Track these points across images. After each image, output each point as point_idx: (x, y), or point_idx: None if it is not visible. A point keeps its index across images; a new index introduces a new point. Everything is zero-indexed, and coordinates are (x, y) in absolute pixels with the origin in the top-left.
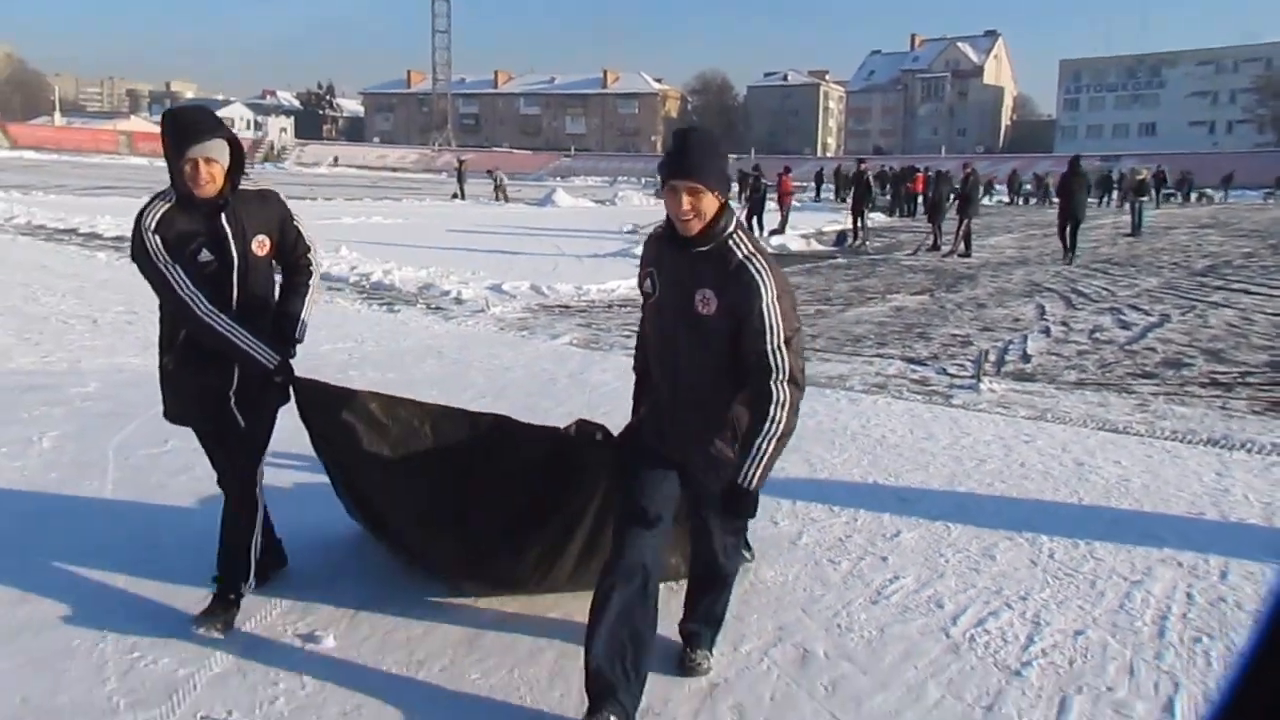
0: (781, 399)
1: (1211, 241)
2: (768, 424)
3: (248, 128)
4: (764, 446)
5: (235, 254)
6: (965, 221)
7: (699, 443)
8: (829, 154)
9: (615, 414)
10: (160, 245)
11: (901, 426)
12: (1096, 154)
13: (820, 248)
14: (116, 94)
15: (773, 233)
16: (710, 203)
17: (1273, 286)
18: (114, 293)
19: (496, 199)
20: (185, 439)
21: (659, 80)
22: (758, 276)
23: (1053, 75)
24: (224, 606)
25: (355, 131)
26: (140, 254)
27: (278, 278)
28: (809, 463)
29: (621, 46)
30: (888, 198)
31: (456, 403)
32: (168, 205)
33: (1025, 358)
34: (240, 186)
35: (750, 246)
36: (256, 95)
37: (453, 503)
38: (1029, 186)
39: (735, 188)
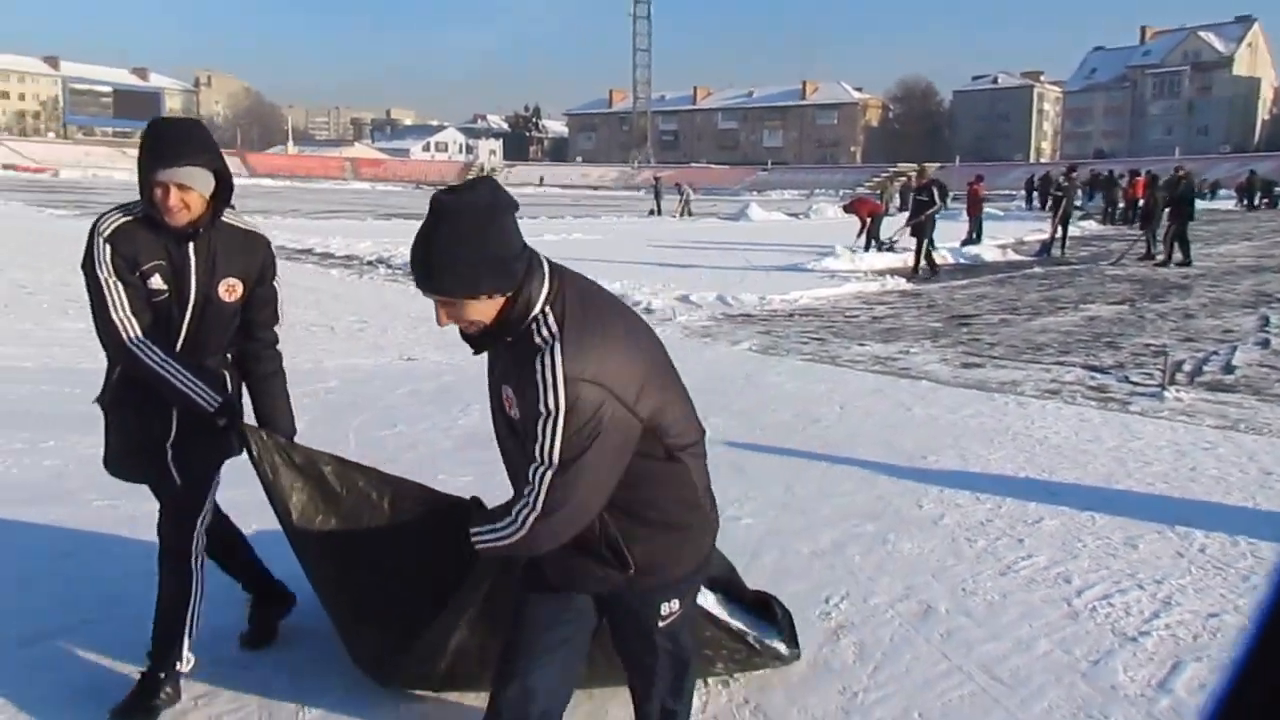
0: (517, 526)
1: None
2: (492, 533)
3: (460, 151)
4: (485, 538)
5: (194, 290)
6: (1173, 227)
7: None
8: (1043, 159)
9: (782, 411)
10: (109, 255)
11: (1066, 429)
12: None
13: (1018, 257)
14: (342, 122)
15: (964, 243)
16: (479, 308)
17: None
18: (346, 304)
19: (680, 215)
20: (411, 423)
21: (859, 89)
22: (542, 376)
23: None
24: (147, 697)
25: (559, 151)
26: (86, 262)
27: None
28: (963, 457)
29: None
30: (1099, 203)
31: None
32: (129, 218)
33: (1228, 369)
34: (226, 219)
35: (551, 332)
36: (468, 120)
37: (403, 594)
38: None
39: (897, 199)
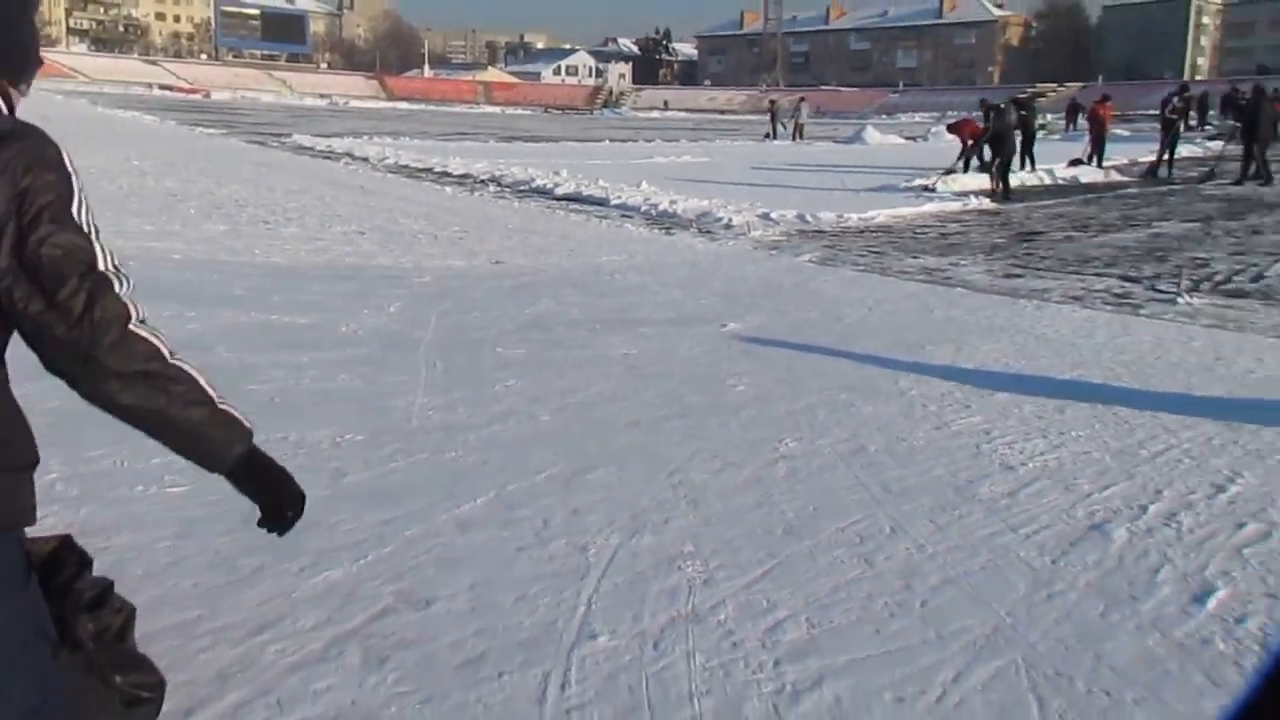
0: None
1: None
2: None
3: (590, 75)
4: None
5: None
6: (1252, 146)
7: None
8: (1199, 77)
9: (813, 310)
10: None
11: (1067, 327)
12: None
13: (1120, 179)
14: (477, 46)
15: (1073, 162)
16: None
17: None
18: (454, 216)
19: (794, 138)
20: (484, 310)
21: (1000, 6)
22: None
23: None
24: None
25: (689, 75)
26: None
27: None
28: (958, 348)
29: None
30: (1230, 123)
31: (691, 298)
32: None
33: (1258, 279)
34: None
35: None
36: (599, 43)
37: None
38: None
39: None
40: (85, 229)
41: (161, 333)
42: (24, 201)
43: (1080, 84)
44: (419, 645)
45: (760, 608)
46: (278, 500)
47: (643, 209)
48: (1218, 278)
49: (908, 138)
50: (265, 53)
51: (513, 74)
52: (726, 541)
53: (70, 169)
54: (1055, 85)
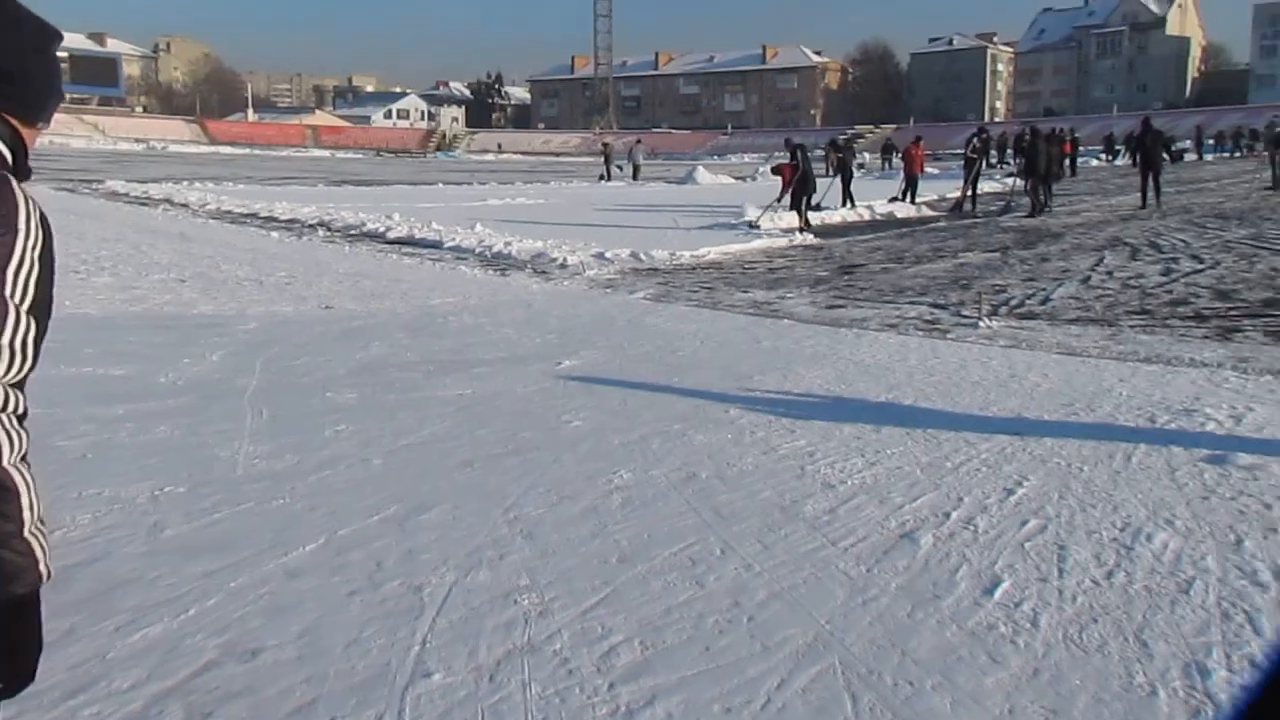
0: None
1: None
2: None
3: (422, 118)
4: None
5: None
6: (1029, 181)
7: None
8: (997, 119)
9: (648, 344)
10: None
11: (884, 353)
12: None
13: (932, 214)
14: (304, 89)
15: (891, 199)
16: None
17: None
18: (281, 261)
19: (634, 178)
20: (314, 355)
21: (818, 53)
22: None
23: (1247, 21)
24: None
25: (523, 118)
26: None
27: None
28: (785, 375)
29: (781, 21)
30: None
31: (526, 338)
32: None
33: (1045, 301)
34: None
35: None
36: (430, 87)
37: None
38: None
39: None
40: (8, 293)
41: (20, 432)
42: None
43: (894, 126)
44: (245, 696)
45: (595, 634)
46: (9, 667)
47: (477, 251)
48: (1013, 302)
49: (737, 177)
50: (75, 96)
51: (342, 118)
52: (562, 572)
53: (24, 228)
54: (872, 126)
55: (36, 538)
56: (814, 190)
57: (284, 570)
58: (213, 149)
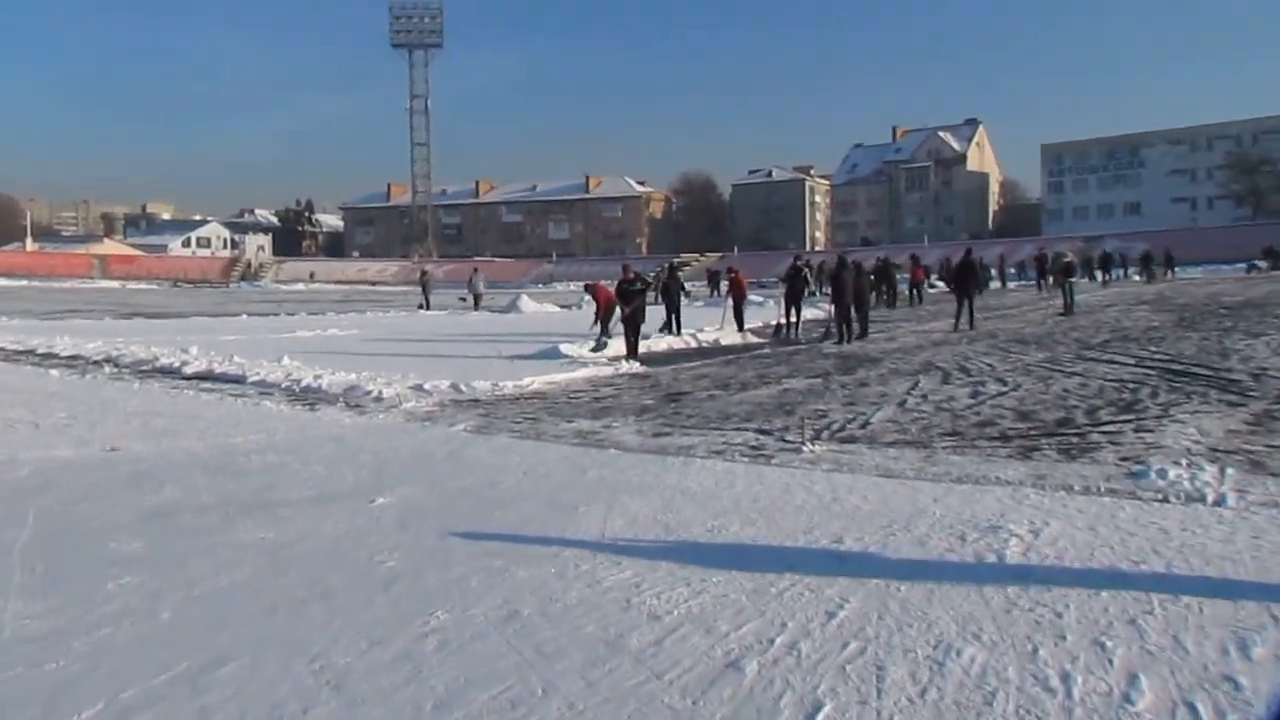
0: None
1: (1134, 317)
2: None
3: (225, 246)
4: None
5: None
6: (835, 309)
7: None
8: (817, 247)
9: (468, 478)
10: None
11: (710, 480)
12: (1082, 234)
13: (755, 340)
14: (92, 217)
15: (718, 328)
16: None
17: (1137, 355)
18: (60, 401)
19: (477, 307)
20: (96, 501)
21: (642, 183)
22: None
23: (1037, 159)
24: None
25: (335, 247)
26: None
27: None
28: (610, 506)
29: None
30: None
31: (336, 475)
32: None
33: (864, 425)
34: None
35: None
36: (235, 214)
37: None
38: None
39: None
40: None
41: None
42: None
43: (719, 254)
44: None
45: None
46: None
47: (284, 385)
48: (835, 426)
49: (562, 305)
50: None
51: (134, 246)
52: None
53: None
54: (698, 255)
55: None
56: (644, 319)
57: None
58: None
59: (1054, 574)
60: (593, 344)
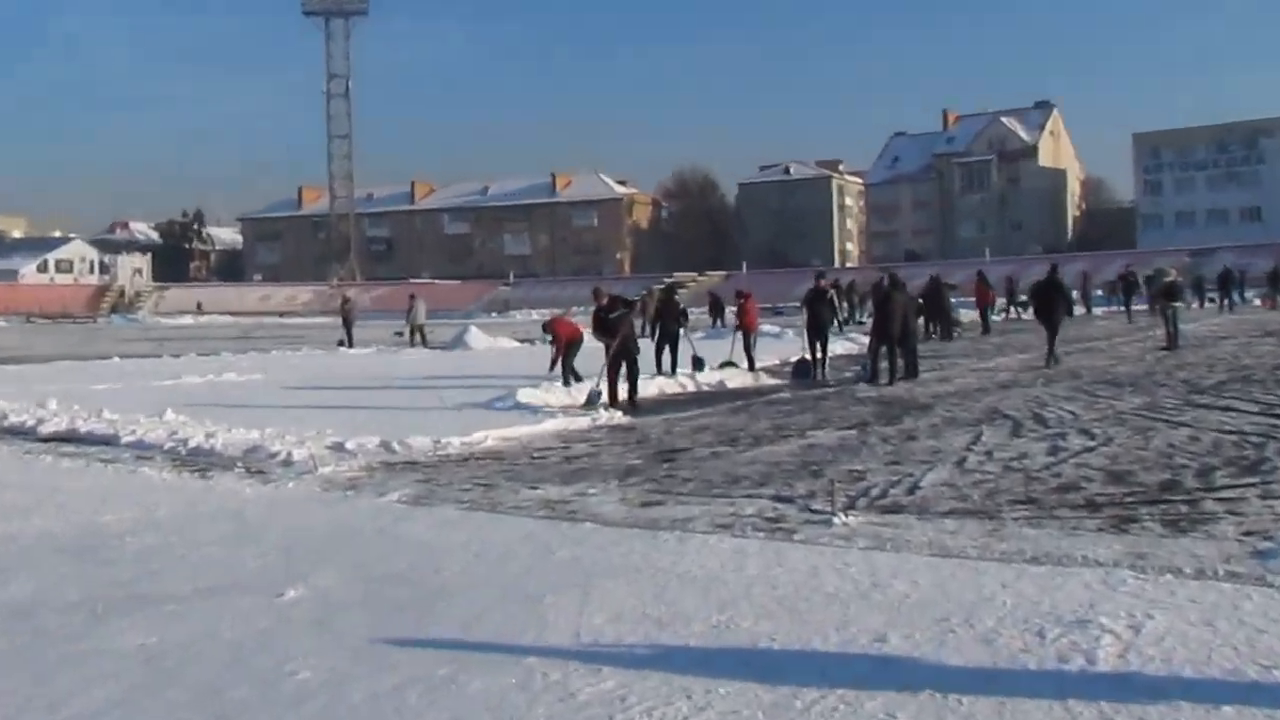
0: None
1: (1257, 353)
2: None
3: (92, 271)
4: None
5: None
6: (875, 344)
7: None
8: (849, 263)
9: (401, 561)
10: None
11: (715, 561)
12: (1188, 247)
13: (770, 381)
14: None
15: (723, 365)
16: None
17: (1263, 401)
18: None
19: (412, 343)
20: None
21: (623, 182)
22: None
23: (1128, 152)
24: None
25: (232, 268)
26: None
27: None
28: (586, 595)
29: (574, 142)
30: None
31: (235, 561)
32: None
33: (912, 490)
34: None
35: None
36: (104, 230)
37: None
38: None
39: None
40: None
41: None
42: None
43: (724, 273)
44: None
45: None
46: None
47: (167, 447)
48: (874, 492)
49: (522, 340)
50: None
51: None
52: None
53: None
54: (695, 275)
55: None
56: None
57: None
58: None
59: (1161, 683)
60: (584, 399)
